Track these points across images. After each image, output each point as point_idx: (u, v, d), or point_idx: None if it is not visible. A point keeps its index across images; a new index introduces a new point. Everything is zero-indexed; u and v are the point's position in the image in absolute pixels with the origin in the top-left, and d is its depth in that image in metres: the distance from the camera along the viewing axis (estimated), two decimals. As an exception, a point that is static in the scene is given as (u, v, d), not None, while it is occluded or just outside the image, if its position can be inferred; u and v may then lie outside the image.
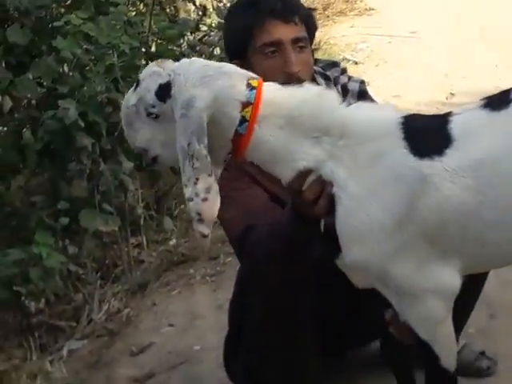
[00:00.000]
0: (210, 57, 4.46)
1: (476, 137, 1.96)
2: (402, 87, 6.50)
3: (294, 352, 2.54)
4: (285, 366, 2.56)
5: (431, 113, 2.32)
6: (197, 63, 2.08)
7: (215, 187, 1.96)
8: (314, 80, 2.65)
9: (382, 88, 6.29)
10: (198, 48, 4.57)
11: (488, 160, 1.93)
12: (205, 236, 1.97)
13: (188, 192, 1.94)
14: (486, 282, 2.58)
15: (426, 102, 5.92)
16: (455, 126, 1.98)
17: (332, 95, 2.10)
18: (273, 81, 2.20)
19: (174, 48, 4.37)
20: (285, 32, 2.47)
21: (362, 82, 2.74)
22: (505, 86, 2.06)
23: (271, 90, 2.07)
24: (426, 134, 2.02)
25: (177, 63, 2.10)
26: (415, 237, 1.97)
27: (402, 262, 1.99)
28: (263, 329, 2.52)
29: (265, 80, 2.15)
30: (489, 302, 3.05)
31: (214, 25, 4.95)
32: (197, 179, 1.94)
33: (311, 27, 2.58)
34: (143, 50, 4.18)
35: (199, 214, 1.95)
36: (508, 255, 2.05)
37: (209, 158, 1.95)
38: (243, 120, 2.01)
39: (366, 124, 2.05)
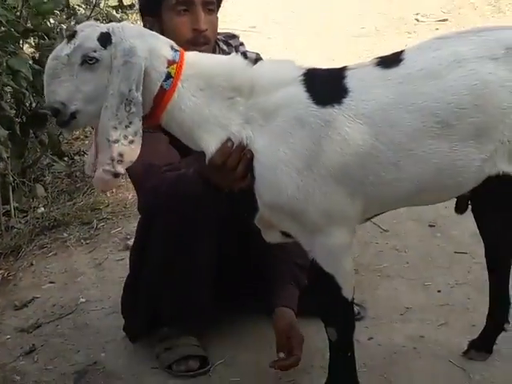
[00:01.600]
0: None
1: (369, 89, 2.23)
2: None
3: (190, 288, 2.81)
4: (180, 301, 2.83)
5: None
6: (130, 24, 2.29)
7: (141, 132, 2.15)
8: (217, 45, 2.93)
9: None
10: (65, 24, 4.73)
11: (379, 109, 2.20)
12: (117, 176, 2.19)
13: (115, 135, 2.12)
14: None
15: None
16: (351, 79, 2.25)
17: (241, 58, 2.34)
18: (182, 37, 2.55)
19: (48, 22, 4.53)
20: None
21: (258, 54, 3.02)
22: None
23: (191, 54, 2.31)
24: (326, 85, 2.27)
25: (114, 22, 2.32)
26: (324, 178, 2.21)
27: (316, 201, 2.23)
28: (163, 264, 2.78)
29: (174, 36, 2.45)
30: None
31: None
32: (130, 123, 2.13)
33: None
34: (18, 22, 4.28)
35: (121, 155, 2.13)
36: (401, 196, 2.32)
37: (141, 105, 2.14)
38: (169, 75, 2.21)
39: (270, 79, 2.28)
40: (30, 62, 4.22)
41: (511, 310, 2.78)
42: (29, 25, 4.29)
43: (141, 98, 2.15)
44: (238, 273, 3.02)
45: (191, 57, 2.29)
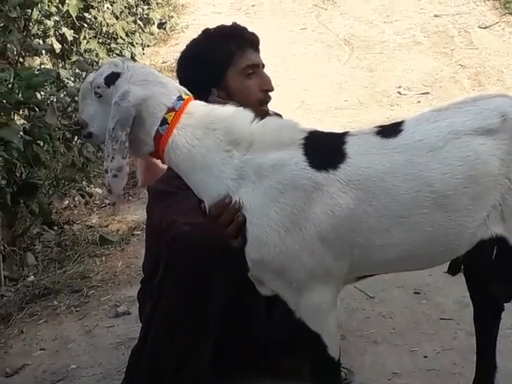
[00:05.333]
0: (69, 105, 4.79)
1: (366, 157, 2.32)
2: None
3: (194, 344, 2.82)
4: (183, 356, 2.83)
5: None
6: (146, 69, 2.48)
7: (125, 169, 2.34)
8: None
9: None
10: (55, 96, 4.84)
11: (375, 177, 2.29)
12: (113, 204, 2.40)
13: (105, 165, 2.35)
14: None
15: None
16: (350, 146, 2.34)
17: (246, 113, 2.43)
18: (254, 97, 2.75)
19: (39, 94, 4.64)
20: (258, 58, 2.96)
21: (279, 114, 3.10)
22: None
23: (197, 105, 2.43)
24: (324, 150, 2.36)
25: (133, 63, 2.49)
26: (313, 238, 2.28)
27: (302, 259, 2.29)
28: (171, 318, 2.79)
29: (246, 98, 2.70)
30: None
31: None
32: (113, 158, 2.32)
33: None
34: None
35: (109, 186, 2.34)
36: (391, 260, 2.38)
37: (126, 145, 2.32)
38: (165, 121, 2.37)
39: (271, 138, 2.37)
40: (21, 133, 4.30)
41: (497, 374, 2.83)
42: (20, 97, 4.38)
43: (124, 138, 2.32)
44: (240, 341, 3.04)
45: (195, 107, 2.42)
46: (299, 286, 2.35)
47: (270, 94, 2.93)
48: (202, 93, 2.63)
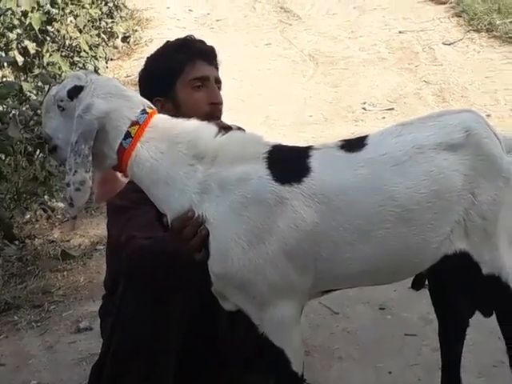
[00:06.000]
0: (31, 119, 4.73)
1: (330, 171, 2.31)
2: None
3: (154, 366, 2.75)
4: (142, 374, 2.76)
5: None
6: (111, 81, 2.46)
7: (88, 183, 2.31)
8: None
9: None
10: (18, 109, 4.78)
11: (338, 191, 2.28)
12: (73, 218, 2.36)
13: (67, 179, 2.31)
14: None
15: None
16: (314, 160, 2.34)
17: (210, 127, 2.43)
18: (200, 110, 2.69)
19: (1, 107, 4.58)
20: (210, 70, 2.92)
21: (242, 128, 3.06)
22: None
23: (160, 118, 2.42)
24: (288, 163, 2.35)
25: (98, 76, 2.47)
26: (276, 252, 2.27)
27: (266, 273, 2.28)
28: (132, 332, 2.72)
29: (193, 110, 2.62)
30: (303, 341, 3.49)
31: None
32: (75, 171, 2.29)
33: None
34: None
35: (71, 199, 2.31)
36: (354, 274, 2.37)
37: (89, 158, 2.29)
38: (128, 135, 2.35)
39: (234, 152, 2.36)
40: (-18, 145, 4.24)
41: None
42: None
43: (87, 152, 2.29)
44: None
45: (159, 121, 2.40)
46: (262, 300, 2.33)
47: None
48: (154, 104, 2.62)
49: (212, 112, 2.87)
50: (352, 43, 9.92)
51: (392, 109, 7.72)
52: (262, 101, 8.25)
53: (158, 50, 3.03)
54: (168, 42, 3.04)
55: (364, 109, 7.88)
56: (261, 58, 9.81)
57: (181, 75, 2.89)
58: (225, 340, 2.98)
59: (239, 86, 8.38)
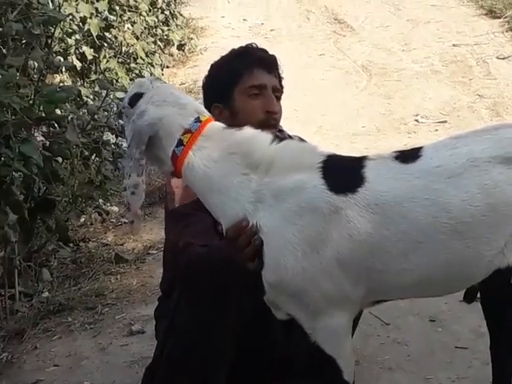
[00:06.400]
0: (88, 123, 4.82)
1: (385, 181, 2.33)
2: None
3: (207, 375, 2.80)
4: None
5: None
6: (169, 89, 2.52)
7: (142, 187, 2.38)
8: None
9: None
10: (75, 113, 4.87)
11: (393, 201, 2.30)
12: (131, 222, 2.40)
13: (124, 183, 2.41)
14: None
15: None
16: (369, 170, 2.35)
17: (265, 136, 2.46)
18: (255, 118, 2.67)
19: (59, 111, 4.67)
20: (268, 79, 2.93)
21: (301, 138, 3.09)
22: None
23: (215, 127, 2.46)
24: (343, 173, 2.37)
25: (160, 84, 2.52)
26: (330, 261, 2.29)
27: (319, 282, 2.30)
28: (184, 340, 2.76)
29: (248, 118, 2.66)
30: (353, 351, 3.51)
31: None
32: (129, 175, 2.37)
33: (281, 88, 3.03)
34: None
35: (128, 204, 2.39)
36: (407, 285, 2.38)
37: (142, 162, 2.37)
38: (180, 143, 2.39)
39: (290, 161, 2.39)
40: (41, 148, 4.32)
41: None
42: (41, 113, 4.40)
43: (138, 156, 2.36)
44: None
45: (213, 129, 2.44)
46: (315, 309, 2.35)
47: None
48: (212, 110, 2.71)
49: (267, 120, 2.88)
50: (405, 55, 9.91)
51: (445, 121, 7.68)
52: (316, 111, 8.27)
53: (221, 57, 3.07)
54: (233, 49, 3.07)
55: (417, 121, 7.85)
56: (314, 68, 9.84)
57: (239, 83, 2.92)
58: (278, 351, 3.00)
59: (293, 95, 8.39)
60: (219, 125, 2.48)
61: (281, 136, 2.82)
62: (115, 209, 5.68)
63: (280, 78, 3.04)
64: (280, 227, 2.31)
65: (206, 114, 2.49)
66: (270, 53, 3.05)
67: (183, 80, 9.52)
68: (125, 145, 2.52)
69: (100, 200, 5.28)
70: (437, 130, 7.47)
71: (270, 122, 2.90)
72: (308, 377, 3.02)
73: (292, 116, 7.57)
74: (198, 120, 2.42)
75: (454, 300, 3.72)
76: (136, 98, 2.45)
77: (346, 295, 2.36)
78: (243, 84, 2.92)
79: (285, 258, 2.30)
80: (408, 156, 2.40)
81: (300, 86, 8.82)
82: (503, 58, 9.34)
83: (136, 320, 4.12)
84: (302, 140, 2.95)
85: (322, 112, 8.25)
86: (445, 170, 2.32)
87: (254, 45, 3.07)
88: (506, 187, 2.31)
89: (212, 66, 3.10)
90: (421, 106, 8.19)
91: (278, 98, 2.99)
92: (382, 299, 2.54)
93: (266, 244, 2.33)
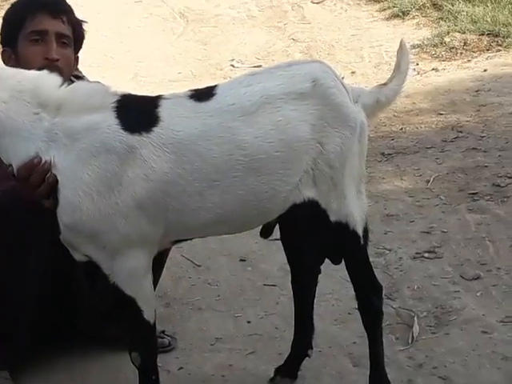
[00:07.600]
0: None
1: (180, 120, 2.33)
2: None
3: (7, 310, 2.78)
4: None
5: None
6: None
7: None
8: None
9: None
10: None
11: (188, 140, 2.31)
12: None
13: None
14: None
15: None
16: (164, 109, 2.35)
17: (53, 77, 2.41)
18: (34, 65, 2.59)
19: None
20: (51, 24, 2.83)
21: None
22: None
23: (1, 68, 2.41)
24: (137, 113, 2.36)
25: None
26: (126, 202, 2.29)
27: (116, 223, 2.30)
28: None
29: (27, 65, 2.58)
30: (163, 294, 3.55)
31: None
32: None
33: (78, 34, 2.95)
34: None
35: None
36: (204, 224, 2.41)
37: None
38: None
39: (81, 101, 2.35)
40: None
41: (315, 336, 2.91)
42: None
43: None
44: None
45: None
46: (113, 250, 2.35)
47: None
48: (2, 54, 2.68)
49: (47, 68, 2.68)
50: (222, 1, 9.87)
51: (260, 66, 7.73)
52: (131, 58, 8.17)
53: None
54: None
55: (232, 66, 7.91)
56: (131, 15, 9.65)
57: (22, 28, 2.85)
58: (81, 290, 2.97)
59: (108, 43, 8.25)
60: (5, 67, 2.44)
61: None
62: None
63: (73, 24, 2.94)
64: (74, 167, 2.28)
65: None
66: None
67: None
68: None
69: None
70: (251, 75, 7.52)
71: (50, 69, 2.72)
72: (115, 320, 3.01)
73: (107, 63, 7.47)
74: None
75: (265, 239, 3.77)
76: None
77: (144, 235, 2.36)
78: (26, 29, 2.85)
79: (80, 200, 2.27)
80: (203, 94, 2.41)
81: (116, 34, 8.69)
82: (318, 3, 9.47)
83: None
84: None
85: (138, 59, 8.15)
86: (239, 107, 2.35)
87: None
88: (299, 123, 2.36)
89: (7, 10, 2.99)
90: (236, 51, 8.25)
91: (66, 45, 2.90)
92: (181, 238, 2.56)
93: (61, 184, 2.29)
